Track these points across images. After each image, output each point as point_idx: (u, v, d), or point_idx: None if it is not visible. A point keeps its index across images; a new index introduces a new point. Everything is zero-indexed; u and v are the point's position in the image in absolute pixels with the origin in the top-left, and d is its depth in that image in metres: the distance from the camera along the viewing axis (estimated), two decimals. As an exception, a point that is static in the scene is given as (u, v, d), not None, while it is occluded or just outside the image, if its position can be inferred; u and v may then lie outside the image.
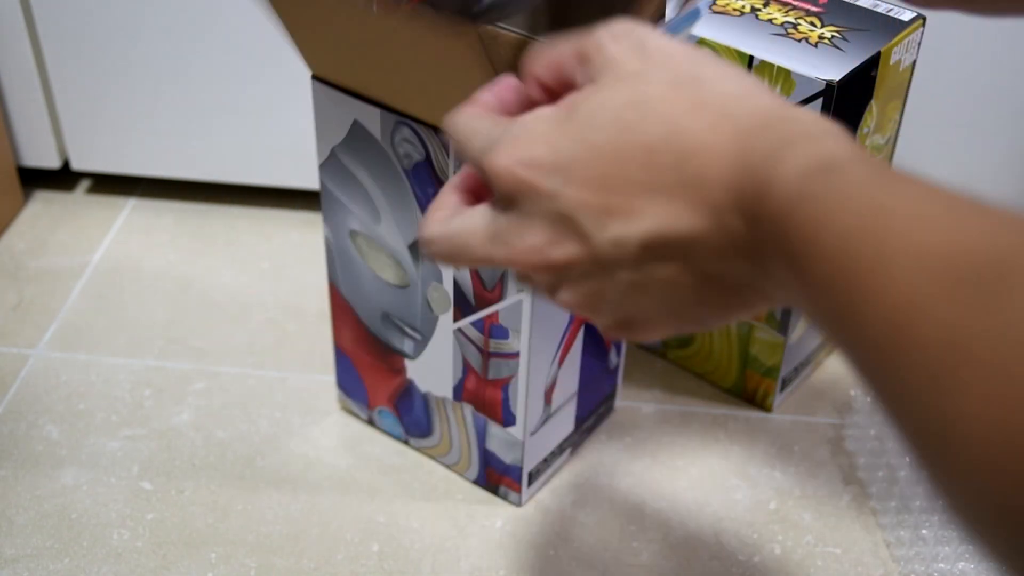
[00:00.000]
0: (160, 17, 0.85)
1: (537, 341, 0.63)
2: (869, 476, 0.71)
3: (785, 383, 0.76)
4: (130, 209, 0.96)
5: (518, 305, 0.61)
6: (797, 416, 0.77)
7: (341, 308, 0.70)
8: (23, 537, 0.67)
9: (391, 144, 0.60)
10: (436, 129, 0.58)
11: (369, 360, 0.71)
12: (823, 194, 0.32)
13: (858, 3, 0.68)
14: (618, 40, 0.38)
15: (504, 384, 0.64)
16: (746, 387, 0.77)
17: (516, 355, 0.63)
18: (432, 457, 0.72)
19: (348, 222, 0.65)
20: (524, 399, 0.64)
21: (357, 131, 0.61)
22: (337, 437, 0.74)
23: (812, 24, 0.66)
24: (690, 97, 0.36)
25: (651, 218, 0.36)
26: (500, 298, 0.62)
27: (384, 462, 0.72)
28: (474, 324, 0.64)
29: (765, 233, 0.33)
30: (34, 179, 0.97)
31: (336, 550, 0.66)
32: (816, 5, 0.68)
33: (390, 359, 0.70)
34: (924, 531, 0.67)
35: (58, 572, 0.65)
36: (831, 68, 0.63)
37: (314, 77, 0.61)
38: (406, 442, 0.73)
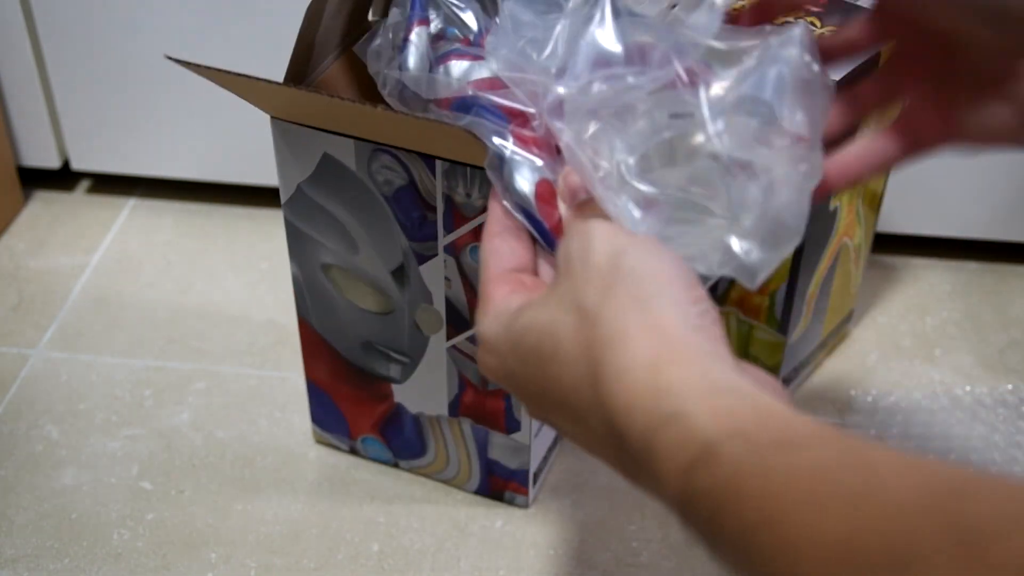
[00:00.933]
0: (160, 17, 0.85)
1: None
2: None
3: (785, 383, 0.76)
4: (130, 209, 0.96)
5: None
6: (797, 416, 0.76)
7: (314, 343, 0.68)
8: (23, 537, 0.67)
9: (368, 173, 0.59)
10: (421, 155, 0.57)
11: (349, 391, 0.69)
12: (707, 489, 0.33)
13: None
14: (593, 260, 0.40)
15: (506, 393, 0.64)
16: (746, 387, 0.77)
17: None
18: (427, 476, 0.71)
19: (320, 256, 0.64)
20: None
21: (328, 164, 0.60)
22: (337, 437, 0.74)
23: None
24: (593, 358, 0.38)
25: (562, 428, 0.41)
26: None
27: (384, 461, 0.72)
28: (470, 339, 0.63)
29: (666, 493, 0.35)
30: (34, 179, 0.97)
31: (336, 550, 0.66)
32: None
33: (374, 387, 0.68)
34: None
35: (58, 572, 0.65)
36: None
37: (274, 118, 0.60)
38: (396, 465, 0.72)
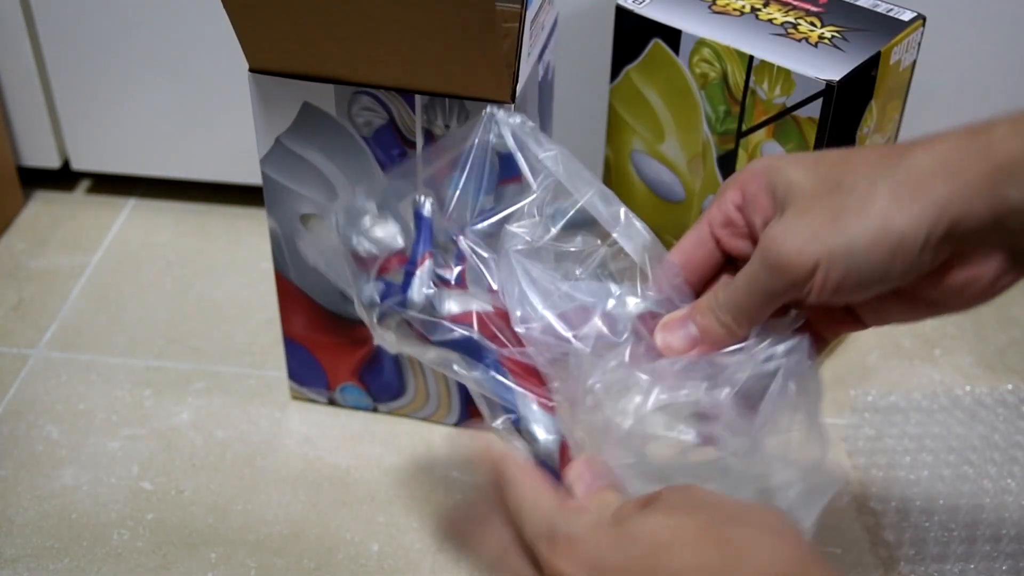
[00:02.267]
0: (160, 17, 0.85)
1: None
2: (868, 476, 0.71)
3: (785, 383, 0.76)
4: (130, 209, 0.96)
5: None
6: (797, 416, 0.77)
7: (292, 296, 0.70)
8: (23, 537, 0.67)
9: (348, 116, 0.61)
10: (402, 91, 0.59)
11: (327, 340, 0.71)
12: None
13: (858, 3, 0.68)
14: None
15: None
16: (746, 387, 0.77)
17: None
18: (406, 415, 0.73)
19: (298, 207, 0.66)
20: None
21: (307, 112, 0.62)
22: (337, 437, 0.74)
23: (812, 24, 0.66)
24: (721, 550, 0.39)
25: None
26: None
27: (383, 462, 0.72)
28: None
29: None
30: (34, 179, 0.97)
31: (336, 550, 0.66)
32: (816, 5, 0.68)
33: (352, 332, 0.70)
34: (924, 531, 0.67)
35: (58, 572, 0.65)
36: (831, 68, 0.63)
37: (252, 70, 0.61)
38: (375, 410, 0.74)
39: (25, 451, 0.72)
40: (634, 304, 0.51)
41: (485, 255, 0.55)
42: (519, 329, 0.52)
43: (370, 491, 0.70)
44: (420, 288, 0.55)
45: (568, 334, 0.50)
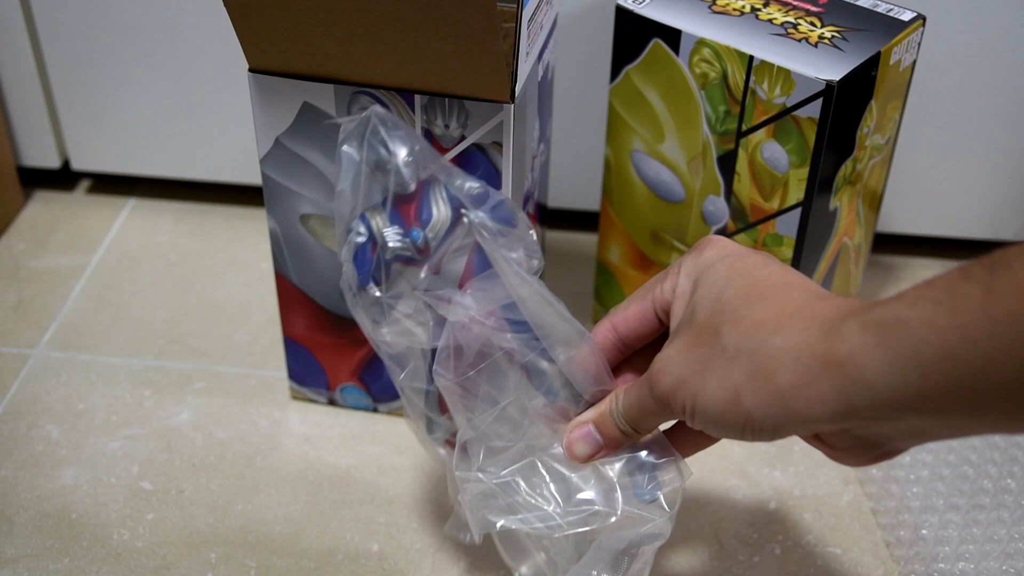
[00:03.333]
0: (160, 17, 0.85)
1: None
2: (868, 476, 0.71)
3: (785, 383, 0.76)
4: (130, 209, 0.96)
5: None
6: (797, 416, 0.76)
7: (292, 296, 0.70)
8: (23, 537, 0.67)
9: (348, 116, 0.61)
10: (401, 91, 0.60)
11: (327, 341, 0.72)
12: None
13: (858, 3, 0.68)
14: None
15: None
16: (746, 387, 0.77)
17: None
18: (405, 416, 0.73)
19: (298, 207, 0.66)
20: None
21: (307, 112, 0.62)
22: (337, 437, 0.74)
23: (812, 24, 0.66)
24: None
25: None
26: None
27: (384, 462, 0.72)
28: None
29: None
30: (34, 179, 0.97)
31: (336, 550, 0.66)
32: (816, 5, 0.68)
33: (353, 332, 0.70)
34: (924, 531, 0.67)
35: (58, 572, 0.65)
36: (831, 68, 0.63)
37: (252, 70, 0.61)
38: (375, 410, 0.74)
39: (25, 451, 0.72)
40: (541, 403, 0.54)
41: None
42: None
43: (370, 491, 0.70)
44: (393, 237, 0.58)
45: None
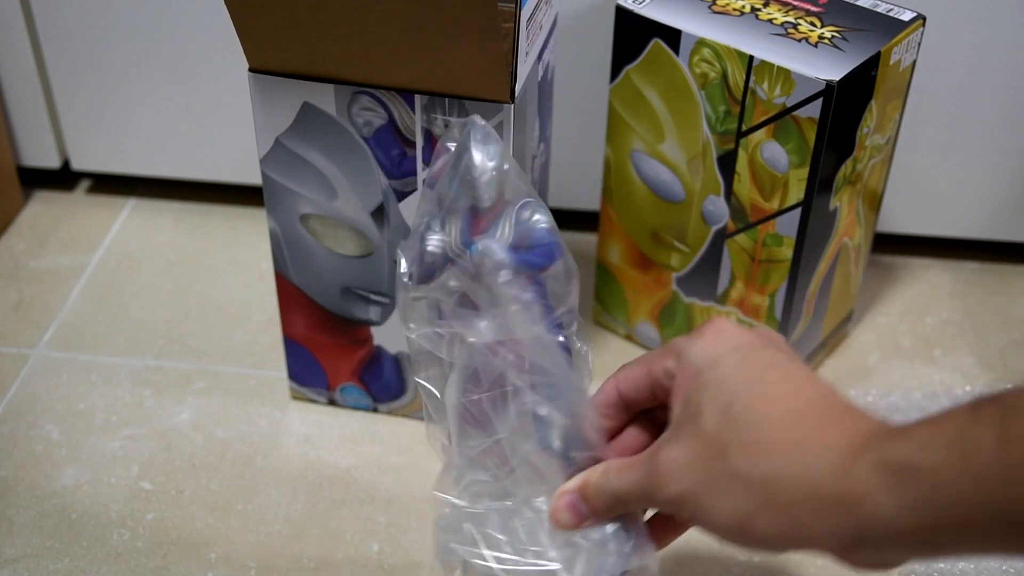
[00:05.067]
0: (160, 17, 0.85)
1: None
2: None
3: (785, 383, 0.76)
4: (130, 209, 0.96)
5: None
6: (797, 416, 0.76)
7: (292, 296, 0.70)
8: (23, 537, 0.67)
9: (348, 116, 0.62)
10: (401, 91, 0.60)
11: (327, 341, 0.72)
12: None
13: (858, 3, 0.68)
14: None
15: None
16: (746, 387, 0.77)
17: None
18: (406, 415, 0.74)
19: (298, 207, 0.66)
20: None
21: (307, 112, 0.62)
22: (337, 437, 0.74)
23: (812, 24, 0.66)
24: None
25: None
26: None
27: (384, 462, 0.72)
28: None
29: None
30: (34, 179, 0.97)
31: (336, 550, 0.66)
32: (816, 5, 0.68)
33: (353, 332, 0.71)
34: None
35: (58, 572, 0.65)
36: (831, 68, 0.63)
37: (251, 70, 0.61)
38: (375, 410, 0.75)
39: (25, 451, 0.72)
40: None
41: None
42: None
43: (370, 491, 0.70)
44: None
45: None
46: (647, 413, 0.53)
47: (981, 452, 0.38)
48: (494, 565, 0.51)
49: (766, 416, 0.44)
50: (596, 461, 0.51)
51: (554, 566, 0.51)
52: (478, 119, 0.55)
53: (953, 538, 0.39)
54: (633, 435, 0.53)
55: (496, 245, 0.54)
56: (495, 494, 0.53)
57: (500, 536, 0.52)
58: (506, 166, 0.55)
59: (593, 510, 0.50)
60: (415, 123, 0.61)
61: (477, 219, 0.56)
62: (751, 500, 0.43)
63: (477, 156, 0.54)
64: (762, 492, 0.43)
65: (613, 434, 0.53)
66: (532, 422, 0.52)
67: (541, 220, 0.55)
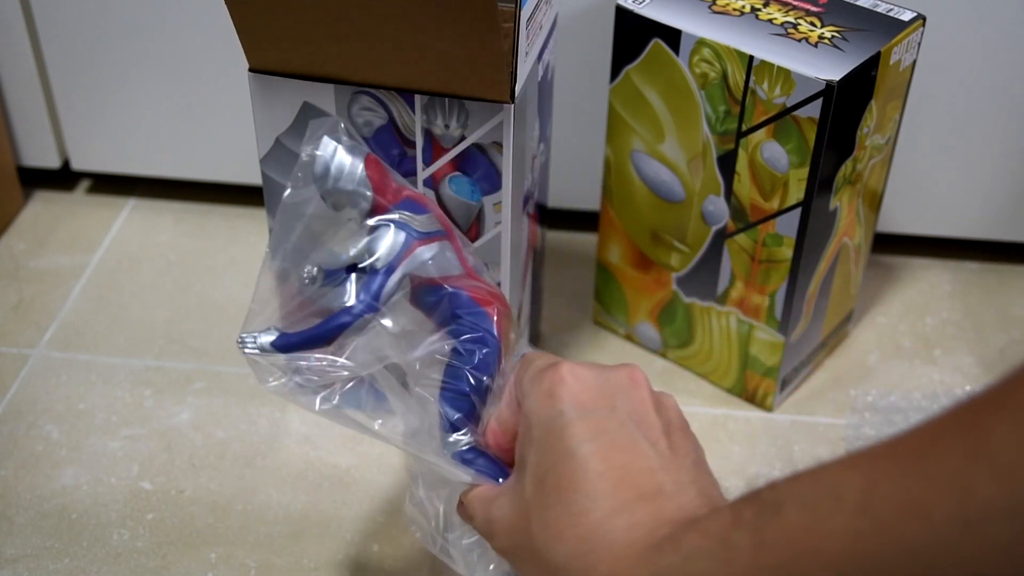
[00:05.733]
0: (160, 17, 0.85)
1: (515, 271, 0.67)
2: (869, 476, 0.71)
3: (785, 383, 0.76)
4: (130, 209, 0.96)
5: (497, 238, 0.64)
6: (797, 416, 0.77)
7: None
8: (23, 537, 0.67)
9: (348, 116, 0.62)
10: (401, 91, 0.60)
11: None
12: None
13: (858, 3, 0.68)
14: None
15: None
16: (746, 387, 0.77)
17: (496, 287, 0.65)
18: None
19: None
20: None
21: (308, 112, 0.62)
22: (337, 437, 0.74)
23: (812, 24, 0.66)
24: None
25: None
26: (477, 236, 0.64)
27: (384, 462, 0.72)
28: None
29: None
30: (34, 179, 0.97)
31: (336, 550, 0.66)
32: (816, 5, 0.68)
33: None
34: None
35: (58, 572, 0.65)
36: (831, 68, 0.63)
37: (251, 70, 0.61)
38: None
39: (25, 451, 0.72)
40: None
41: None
42: None
43: (370, 491, 0.70)
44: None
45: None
46: None
47: (739, 558, 0.38)
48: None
49: (569, 497, 0.44)
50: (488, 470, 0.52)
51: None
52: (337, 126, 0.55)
53: None
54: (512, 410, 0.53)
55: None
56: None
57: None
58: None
59: (468, 519, 0.52)
60: (415, 123, 0.61)
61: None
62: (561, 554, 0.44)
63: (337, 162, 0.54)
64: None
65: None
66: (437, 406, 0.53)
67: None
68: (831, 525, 0.36)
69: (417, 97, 0.60)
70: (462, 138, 0.61)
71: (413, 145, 0.62)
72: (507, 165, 0.62)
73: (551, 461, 0.45)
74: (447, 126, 0.61)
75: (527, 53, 0.61)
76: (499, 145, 0.61)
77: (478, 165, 0.62)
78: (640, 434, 0.46)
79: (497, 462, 0.52)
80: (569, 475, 0.45)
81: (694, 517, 0.42)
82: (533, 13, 0.61)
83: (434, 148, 0.62)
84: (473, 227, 0.64)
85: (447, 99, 0.60)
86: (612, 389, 0.47)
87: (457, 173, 0.62)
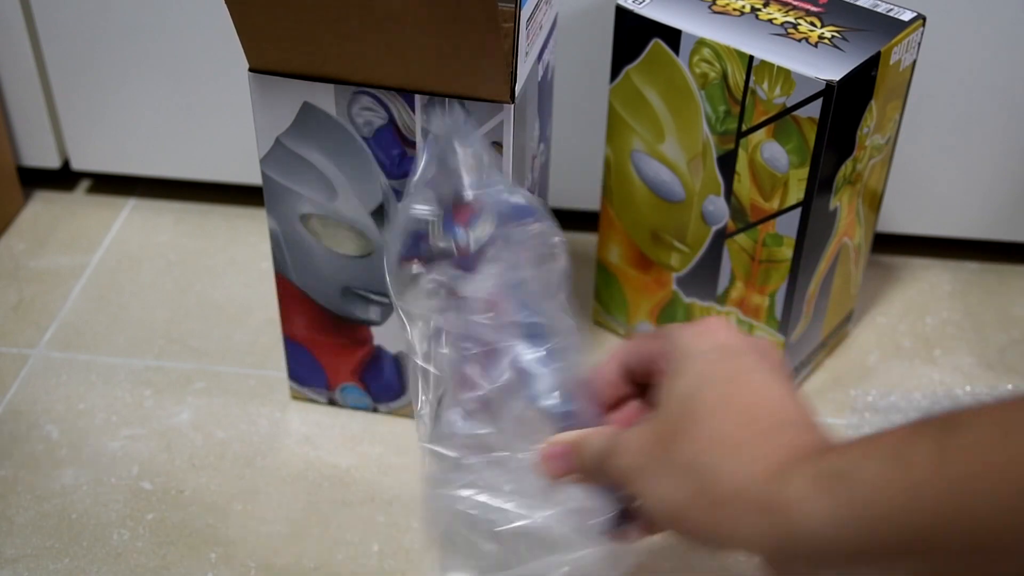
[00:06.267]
0: (160, 17, 0.85)
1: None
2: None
3: (785, 383, 0.76)
4: (130, 209, 0.96)
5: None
6: (797, 416, 0.76)
7: (292, 297, 0.70)
8: (23, 537, 0.67)
9: (348, 116, 0.62)
10: (401, 91, 0.60)
11: (328, 341, 0.72)
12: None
13: (858, 3, 0.68)
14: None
15: None
16: (746, 387, 0.77)
17: None
18: (406, 416, 0.74)
19: (298, 207, 0.66)
20: None
21: (307, 112, 0.62)
22: (337, 437, 0.74)
23: (812, 24, 0.66)
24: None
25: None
26: None
27: (384, 461, 0.72)
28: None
29: None
30: (34, 179, 0.97)
31: (336, 550, 0.66)
32: (816, 5, 0.68)
33: (354, 332, 0.71)
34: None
35: (58, 572, 0.65)
36: (831, 68, 0.63)
37: (251, 70, 0.61)
38: (375, 410, 0.75)
39: (25, 451, 0.72)
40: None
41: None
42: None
43: (370, 491, 0.70)
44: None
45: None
46: (652, 390, 0.53)
47: (919, 466, 0.37)
48: (474, 512, 0.52)
49: (720, 414, 0.44)
50: (589, 424, 0.52)
51: (537, 517, 0.51)
52: (460, 111, 0.55)
53: (880, 556, 0.38)
54: (634, 408, 0.54)
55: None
56: (484, 447, 0.53)
57: (487, 487, 0.52)
58: (486, 158, 0.56)
59: (582, 465, 0.51)
60: (415, 123, 0.61)
61: (459, 208, 0.57)
62: (685, 490, 0.44)
63: (462, 151, 0.55)
64: (697, 484, 0.43)
65: (615, 404, 0.54)
66: (524, 378, 0.53)
67: (518, 201, 0.57)
68: (1021, 442, 0.35)
69: (417, 97, 0.60)
70: None
71: (413, 145, 0.62)
72: (507, 165, 0.62)
73: (698, 385, 0.46)
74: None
75: (527, 53, 0.61)
76: (499, 145, 0.61)
77: None
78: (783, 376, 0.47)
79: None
80: (722, 397, 0.45)
81: (856, 437, 0.42)
82: (533, 13, 0.61)
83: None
84: None
85: (447, 99, 0.60)
86: (757, 342, 0.49)
87: None
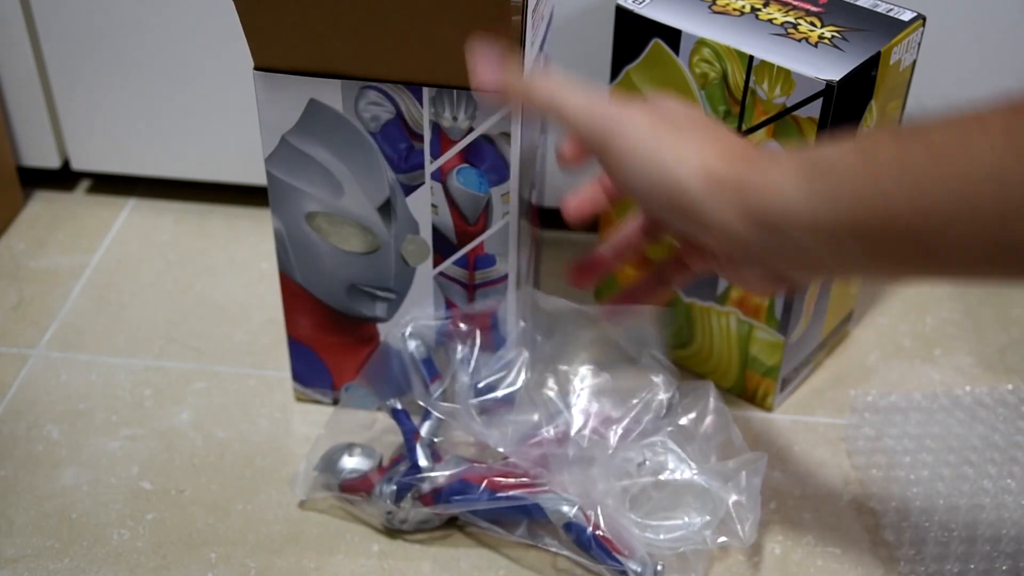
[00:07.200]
0: (160, 17, 0.85)
1: (523, 258, 0.68)
2: (868, 476, 0.71)
3: (785, 383, 0.76)
4: (130, 209, 0.96)
5: (504, 228, 0.64)
6: (797, 416, 0.77)
7: (297, 296, 0.70)
8: (23, 537, 0.67)
9: (355, 112, 0.62)
10: (409, 84, 0.60)
11: (333, 340, 0.72)
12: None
13: (858, 3, 0.68)
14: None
15: (492, 312, 0.68)
16: (746, 387, 0.77)
17: (504, 278, 0.66)
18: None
19: (303, 206, 0.66)
20: (515, 317, 0.68)
21: (314, 109, 0.62)
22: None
23: (812, 24, 0.66)
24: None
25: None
26: (485, 228, 0.64)
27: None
28: (456, 263, 0.66)
29: None
30: (34, 179, 0.97)
31: (336, 550, 0.66)
32: (816, 5, 0.68)
33: (359, 330, 0.71)
34: (924, 531, 0.67)
35: (58, 572, 0.65)
36: (831, 68, 0.63)
37: (257, 68, 0.61)
38: (379, 409, 0.74)
39: (25, 451, 0.72)
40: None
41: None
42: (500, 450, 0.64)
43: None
44: (423, 457, 0.66)
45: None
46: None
47: (882, 154, 0.44)
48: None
49: (700, 118, 0.53)
50: None
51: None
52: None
53: (845, 235, 0.45)
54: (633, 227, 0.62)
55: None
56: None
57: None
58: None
59: (516, 88, 0.56)
60: (423, 116, 0.61)
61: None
62: (694, 150, 0.50)
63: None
64: (709, 140, 0.51)
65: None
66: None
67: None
68: (976, 143, 0.41)
69: (425, 90, 0.60)
70: (470, 130, 0.61)
71: (421, 138, 0.62)
72: (515, 155, 0.62)
73: (673, 107, 0.53)
74: (455, 118, 0.61)
75: (532, 43, 0.62)
76: (507, 136, 0.61)
77: (485, 156, 0.62)
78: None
79: None
80: (694, 112, 0.53)
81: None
82: (536, 5, 0.62)
83: (442, 141, 0.62)
84: (481, 218, 0.64)
85: (455, 91, 0.60)
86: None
87: (465, 165, 0.63)
